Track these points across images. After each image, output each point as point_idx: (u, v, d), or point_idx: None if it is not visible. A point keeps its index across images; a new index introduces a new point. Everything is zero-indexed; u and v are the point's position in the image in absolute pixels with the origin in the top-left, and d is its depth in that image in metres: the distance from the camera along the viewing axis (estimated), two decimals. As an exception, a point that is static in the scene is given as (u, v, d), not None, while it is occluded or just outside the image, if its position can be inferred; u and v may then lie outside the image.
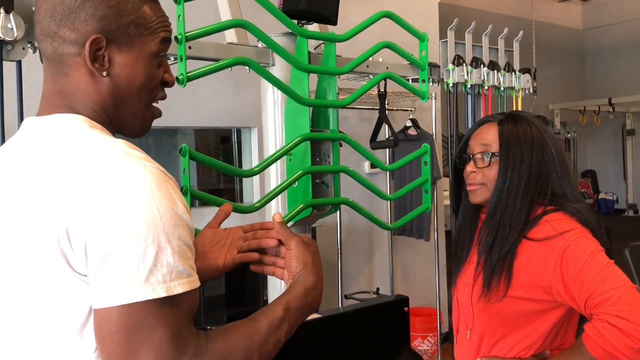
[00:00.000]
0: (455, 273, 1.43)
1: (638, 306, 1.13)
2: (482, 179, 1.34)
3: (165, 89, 0.92)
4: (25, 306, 0.78)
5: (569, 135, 9.25)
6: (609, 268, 1.18)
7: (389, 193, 3.71)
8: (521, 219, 1.28)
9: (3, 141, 1.24)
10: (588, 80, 10.17)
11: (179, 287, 0.72)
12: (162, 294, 0.71)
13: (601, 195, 9.94)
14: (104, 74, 0.83)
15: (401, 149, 3.45)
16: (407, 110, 3.76)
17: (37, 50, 1.26)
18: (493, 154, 1.33)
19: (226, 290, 3.21)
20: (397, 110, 3.83)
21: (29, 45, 1.24)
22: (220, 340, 0.77)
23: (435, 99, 3.80)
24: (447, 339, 4.05)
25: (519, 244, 1.27)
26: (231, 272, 3.40)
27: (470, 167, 1.35)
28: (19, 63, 1.27)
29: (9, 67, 1.26)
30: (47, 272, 0.74)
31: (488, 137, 1.35)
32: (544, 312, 1.27)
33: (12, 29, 1.18)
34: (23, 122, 0.87)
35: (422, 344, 3.79)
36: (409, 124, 3.67)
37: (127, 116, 0.87)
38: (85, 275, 0.73)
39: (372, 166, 3.75)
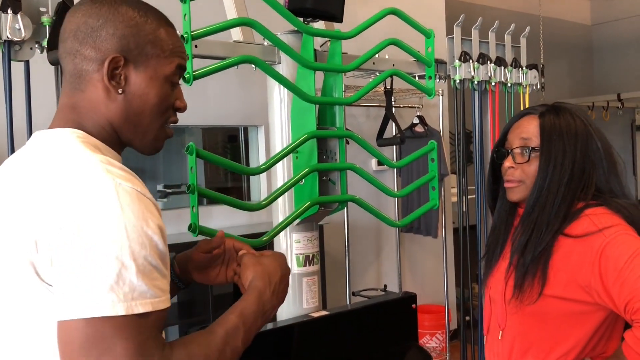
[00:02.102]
0: (487, 271, 1.35)
1: None
2: (520, 176, 1.26)
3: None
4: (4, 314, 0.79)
5: (578, 131, 9.17)
6: None
7: (396, 190, 3.71)
8: (559, 218, 1.19)
9: (12, 140, 1.25)
10: (597, 76, 10.09)
11: (139, 307, 0.73)
12: (120, 312, 0.71)
13: (610, 192, 9.88)
14: (120, 91, 0.85)
15: (408, 146, 3.44)
16: (414, 107, 3.75)
17: (44, 52, 1.27)
18: (533, 148, 1.24)
19: (234, 288, 3.22)
20: (404, 107, 3.82)
21: (36, 46, 1.25)
22: (182, 350, 0.78)
23: (442, 95, 3.78)
24: (455, 336, 4.04)
25: (556, 240, 1.18)
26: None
27: (508, 163, 1.27)
28: (27, 63, 1.28)
29: (17, 68, 1.27)
30: (17, 282, 0.76)
31: (528, 131, 1.25)
32: (583, 314, 1.17)
33: (19, 29, 1.19)
34: (33, 134, 0.89)
35: (431, 341, 3.78)
36: (416, 121, 3.67)
37: (139, 134, 0.89)
38: (52, 285, 0.74)
39: (379, 164, 3.75)
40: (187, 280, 1.08)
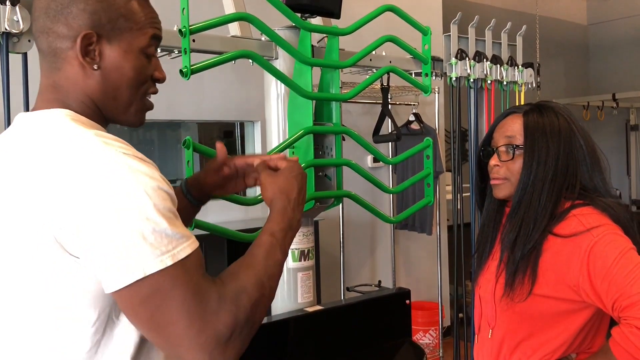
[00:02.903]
0: (477, 269, 1.37)
1: None
2: (505, 173, 1.28)
3: (170, 82, 0.97)
4: (23, 292, 0.81)
5: (573, 130, 9.22)
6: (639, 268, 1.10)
7: (391, 187, 3.72)
8: (546, 215, 1.21)
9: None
10: (592, 76, 10.13)
11: (181, 253, 0.77)
12: (169, 262, 0.76)
13: (604, 191, 9.94)
14: (95, 67, 0.86)
15: (404, 143, 3.45)
16: (410, 104, 3.76)
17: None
18: (517, 146, 1.26)
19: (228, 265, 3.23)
20: (400, 104, 3.83)
21: (33, 37, 1.25)
22: (232, 280, 0.83)
23: (438, 93, 3.79)
24: (448, 332, 4.07)
25: (545, 239, 1.20)
26: (233, 249, 3.37)
27: (493, 161, 1.29)
28: (25, 55, 1.28)
29: (14, 59, 1.27)
30: (45, 260, 0.78)
31: (513, 129, 1.28)
32: (571, 312, 1.20)
33: (18, 21, 1.19)
34: (15, 117, 0.90)
35: (424, 337, 3.80)
36: (411, 118, 3.68)
37: (120, 108, 0.91)
38: (78, 257, 0.77)
39: (375, 160, 3.76)
40: (203, 200, 1.17)
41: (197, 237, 0.83)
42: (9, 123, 1.25)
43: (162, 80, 0.94)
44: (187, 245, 0.78)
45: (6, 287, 0.83)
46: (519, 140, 1.27)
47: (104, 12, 0.85)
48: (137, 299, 0.76)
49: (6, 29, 1.19)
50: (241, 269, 0.86)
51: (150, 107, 0.95)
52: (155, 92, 0.94)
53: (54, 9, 0.85)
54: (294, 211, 0.99)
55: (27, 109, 1.28)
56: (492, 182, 1.31)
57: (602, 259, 1.12)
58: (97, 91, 0.87)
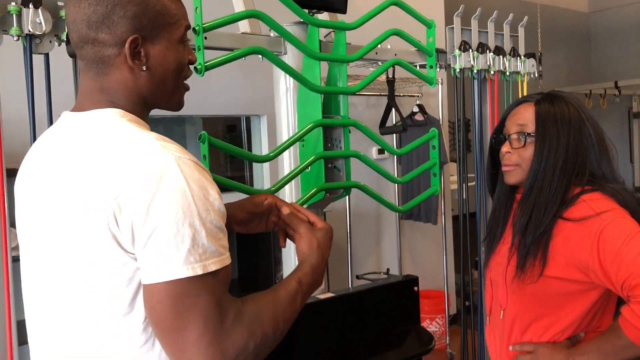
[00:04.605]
0: (487, 253, 1.41)
1: None
2: (517, 160, 1.32)
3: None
4: (80, 285, 0.85)
5: (575, 119, 9.22)
6: None
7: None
8: (557, 200, 1.25)
9: (34, 129, 1.30)
10: (594, 64, 10.12)
11: (212, 265, 0.81)
12: (199, 271, 0.80)
13: (607, 179, 9.95)
14: (144, 68, 0.91)
15: (408, 135, 3.49)
16: (414, 96, 3.80)
17: (63, 44, 1.32)
18: (529, 134, 1.30)
19: (239, 274, 3.29)
20: (403, 96, 3.87)
21: (55, 38, 1.30)
22: (253, 305, 0.87)
23: (441, 84, 3.83)
24: (454, 321, 4.12)
25: (555, 224, 1.24)
26: (245, 259, 3.45)
27: (505, 148, 1.34)
28: (47, 55, 1.33)
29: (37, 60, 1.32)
30: (100, 252, 0.82)
31: (524, 117, 1.32)
32: (580, 293, 1.24)
33: (40, 23, 1.24)
34: (61, 115, 0.94)
35: (431, 325, 3.86)
36: (415, 109, 3.72)
37: (166, 98, 0.96)
38: (133, 254, 0.81)
39: (380, 152, 3.81)
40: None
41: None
42: (34, 118, 1.32)
43: (195, 62, 1.00)
44: (218, 260, 0.82)
45: (63, 280, 0.87)
46: (531, 128, 1.31)
47: (143, 15, 0.89)
48: (161, 298, 0.80)
49: (30, 31, 1.24)
50: (263, 302, 0.90)
51: (187, 88, 1.01)
52: (190, 75, 1.00)
53: (95, 20, 0.88)
54: (324, 271, 1.06)
55: (49, 106, 1.34)
56: (504, 168, 1.35)
57: (612, 241, 1.16)
58: (146, 89, 0.92)
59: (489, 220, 1.44)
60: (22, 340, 1.31)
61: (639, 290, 1.12)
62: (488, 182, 1.47)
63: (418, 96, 3.78)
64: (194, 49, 1.44)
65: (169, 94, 0.96)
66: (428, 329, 3.90)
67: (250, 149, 3.68)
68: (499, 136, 1.37)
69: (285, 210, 1.11)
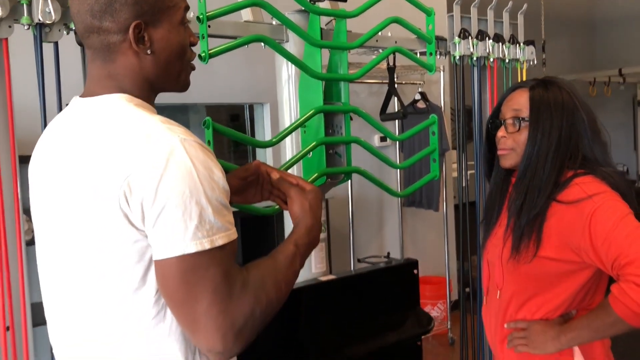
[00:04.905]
0: (485, 235, 1.45)
1: None
2: (512, 144, 1.36)
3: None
4: (94, 262, 0.90)
5: (579, 106, 9.21)
6: (638, 231, 1.18)
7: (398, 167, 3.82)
8: (550, 183, 1.28)
9: (44, 116, 1.35)
10: (599, 51, 10.08)
11: (219, 240, 0.86)
12: (207, 246, 0.84)
13: (611, 167, 9.95)
14: (148, 52, 0.95)
15: (410, 122, 3.53)
16: (416, 83, 3.83)
17: (71, 32, 1.36)
18: (523, 119, 1.34)
19: (243, 260, 3.35)
20: (406, 83, 3.90)
21: (64, 27, 1.34)
22: (256, 272, 0.92)
23: (443, 71, 3.86)
24: (456, 306, 4.18)
25: (549, 206, 1.28)
26: (248, 242, 3.48)
27: (501, 132, 1.38)
28: (56, 44, 1.37)
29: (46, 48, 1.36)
30: (112, 230, 0.86)
31: (519, 103, 1.36)
32: (572, 272, 1.28)
33: (50, 12, 1.28)
34: (71, 100, 0.99)
35: (432, 310, 3.92)
36: (417, 97, 3.75)
37: (173, 78, 1.00)
38: (144, 231, 0.86)
39: (382, 139, 3.84)
40: None
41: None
42: (44, 104, 1.36)
43: (196, 43, 1.04)
44: (225, 235, 0.87)
45: (77, 259, 0.92)
46: (525, 113, 1.35)
47: (144, 1, 0.92)
48: (172, 272, 0.84)
49: (39, 20, 1.28)
50: (265, 269, 0.95)
51: (193, 68, 1.05)
52: (194, 57, 1.04)
53: (97, 9, 0.91)
54: (319, 231, 1.10)
55: (58, 93, 1.38)
56: (499, 152, 1.39)
57: (603, 222, 1.21)
58: (152, 72, 0.96)
59: (486, 204, 1.49)
60: (37, 321, 1.37)
61: (628, 269, 1.16)
62: (485, 166, 1.51)
63: (420, 84, 3.81)
64: (199, 37, 1.48)
65: (175, 75, 1.00)
66: (430, 314, 3.96)
67: (253, 136, 3.73)
68: (495, 121, 1.41)
69: (275, 175, 1.17)
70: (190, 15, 1.48)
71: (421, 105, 3.73)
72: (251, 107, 3.72)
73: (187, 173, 0.84)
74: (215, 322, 0.85)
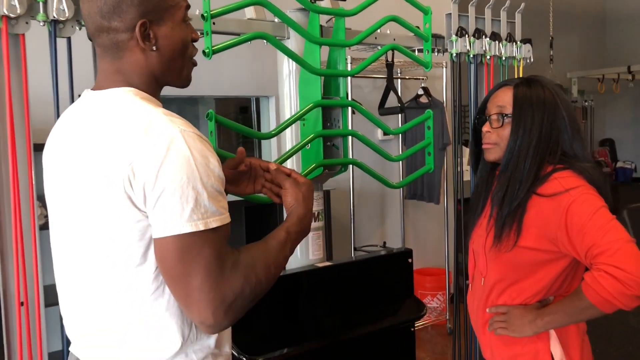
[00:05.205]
0: (470, 226, 1.52)
1: (634, 258, 1.21)
2: (496, 139, 1.43)
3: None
4: (100, 241, 0.99)
5: (587, 103, 9.22)
6: (610, 223, 1.26)
7: (400, 165, 3.90)
8: (531, 176, 1.35)
9: (57, 105, 1.44)
10: (609, 48, 10.04)
11: (212, 223, 0.95)
12: (201, 227, 0.93)
13: (619, 164, 9.92)
14: (153, 48, 1.03)
15: (413, 116, 3.60)
16: (419, 79, 3.89)
17: (83, 28, 1.45)
18: (506, 115, 1.41)
19: (246, 232, 3.44)
20: (409, 79, 3.96)
21: (76, 24, 1.43)
22: (247, 254, 1.01)
23: (446, 67, 3.92)
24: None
25: (530, 199, 1.34)
26: (251, 230, 3.57)
27: (485, 128, 1.45)
28: (69, 39, 1.46)
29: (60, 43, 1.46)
30: (117, 211, 0.95)
31: (503, 100, 1.43)
32: (550, 261, 1.36)
33: (63, 10, 1.37)
34: (83, 92, 1.08)
35: (432, 301, 4.00)
36: (420, 92, 3.81)
37: (175, 73, 1.09)
38: (145, 212, 0.95)
39: (384, 133, 3.92)
40: None
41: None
42: (57, 99, 1.45)
43: (197, 39, 1.12)
44: (218, 219, 0.95)
45: (85, 238, 1.01)
46: (509, 109, 1.42)
47: (148, 1, 1.01)
48: (170, 249, 0.93)
49: (54, 17, 1.37)
50: (257, 251, 1.03)
51: (194, 64, 1.13)
52: (196, 52, 1.12)
53: (106, 10, 1.00)
54: (310, 220, 1.18)
55: (71, 85, 1.47)
56: (484, 146, 1.47)
57: (578, 215, 1.28)
58: (157, 67, 1.05)
59: (472, 195, 1.56)
60: (48, 302, 1.47)
61: (599, 258, 1.23)
62: (472, 159, 1.58)
63: (423, 79, 3.87)
64: (203, 34, 1.56)
65: (178, 70, 1.08)
66: (429, 305, 4.04)
67: (259, 128, 3.81)
68: (481, 117, 1.49)
69: (273, 167, 1.25)
70: (196, 12, 1.57)
71: (424, 100, 3.80)
72: (257, 100, 3.80)
73: (185, 161, 0.92)
74: (207, 297, 0.93)
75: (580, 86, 9.25)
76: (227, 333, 1.11)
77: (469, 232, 1.53)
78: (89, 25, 1.04)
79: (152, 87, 1.06)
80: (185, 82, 1.12)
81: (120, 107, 1.00)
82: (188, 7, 1.10)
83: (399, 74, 3.96)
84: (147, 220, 0.95)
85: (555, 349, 1.37)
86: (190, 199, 0.92)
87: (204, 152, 0.95)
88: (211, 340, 1.04)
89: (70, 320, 1.10)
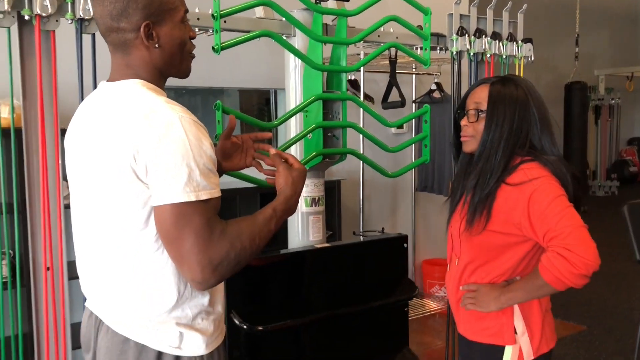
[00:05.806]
0: (450, 212, 1.64)
1: (583, 241, 1.34)
2: (472, 132, 1.56)
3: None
4: (110, 210, 1.17)
5: (613, 101, 9.11)
6: (566, 210, 1.38)
7: (413, 152, 4.01)
8: (501, 167, 1.47)
9: (82, 93, 1.63)
10: (639, 46, 9.88)
11: (203, 195, 1.11)
12: (192, 198, 1.09)
13: (648, 163, 9.82)
14: (156, 46, 1.20)
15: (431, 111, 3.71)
16: (432, 74, 4.00)
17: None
18: (482, 110, 1.54)
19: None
20: (423, 74, 4.07)
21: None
22: (235, 225, 1.16)
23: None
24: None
25: (499, 187, 1.46)
26: (265, 201, 3.73)
27: (463, 121, 1.58)
28: (93, 35, 1.65)
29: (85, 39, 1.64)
30: (125, 183, 1.12)
31: (480, 96, 1.55)
32: (515, 244, 1.49)
33: (89, 9, 1.56)
34: (99, 84, 1.26)
35: (439, 291, 4.12)
36: (433, 87, 3.92)
37: (176, 66, 1.25)
38: (147, 184, 1.11)
39: (399, 127, 4.04)
40: (220, 172, 1.46)
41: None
42: (82, 88, 1.64)
43: (194, 37, 1.28)
44: (208, 192, 1.10)
45: (99, 209, 1.19)
46: (484, 105, 1.55)
47: (151, 5, 1.17)
48: (166, 216, 1.09)
49: (81, 16, 1.56)
50: (244, 223, 1.17)
51: (193, 57, 1.29)
52: (193, 48, 1.28)
53: (116, 13, 1.17)
54: (296, 202, 1.31)
55: (94, 76, 1.66)
56: (462, 138, 1.60)
57: (539, 202, 1.41)
58: (160, 62, 1.21)
59: (453, 183, 1.69)
60: (72, 275, 1.66)
61: (554, 241, 1.36)
62: (453, 150, 1.71)
63: (436, 74, 3.98)
64: (213, 32, 1.73)
65: (178, 63, 1.25)
66: (437, 295, 4.17)
67: (276, 118, 3.97)
68: (461, 112, 1.62)
69: (272, 151, 1.41)
70: (209, 11, 1.74)
71: (437, 95, 3.91)
72: (276, 92, 3.97)
73: (182, 142, 1.09)
74: (196, 258, 1.10)
75: (607, 84, 9.15)
76: (220, 295, 1.28)
77: (448, 217, 1.66)
78: (101, 26, 1.21)
79: (157, 78, 1.23)
80: (185, 73, 1.28)
81: (129, 96, 1.17)
82: (186, 11, 1.27)
83: (414, 69, 4.07)
84: (149, 191, 1.12)
85: (518, 323, 1.50)
86: (184, 174, 1.08)
87: (197, 135, 1.11)
88: (205, 299, 1.21)
89: (85, 279, 1.28)
